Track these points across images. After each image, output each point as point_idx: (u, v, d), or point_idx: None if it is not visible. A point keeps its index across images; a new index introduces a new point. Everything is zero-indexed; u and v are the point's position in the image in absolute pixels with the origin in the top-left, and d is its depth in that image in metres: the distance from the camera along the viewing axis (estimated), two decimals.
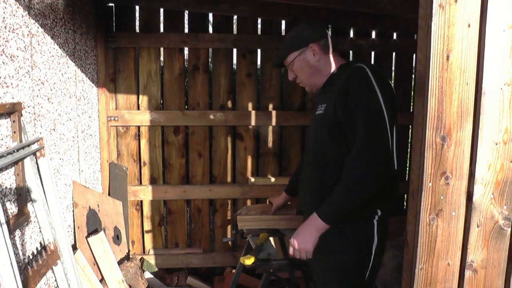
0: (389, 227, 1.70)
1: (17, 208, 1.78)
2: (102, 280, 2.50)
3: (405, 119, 3.29)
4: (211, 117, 3.12)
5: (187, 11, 3.09)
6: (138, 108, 3.10)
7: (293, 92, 3.21)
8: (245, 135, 3.22)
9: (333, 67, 1.76)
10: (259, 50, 3.19)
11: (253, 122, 3.18)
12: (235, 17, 3.13)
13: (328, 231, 1.60)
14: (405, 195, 3.54)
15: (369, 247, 1.63)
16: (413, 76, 3.39)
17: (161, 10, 3.05)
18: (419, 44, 1.15)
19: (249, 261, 1.86)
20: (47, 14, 2.08)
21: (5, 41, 1.66)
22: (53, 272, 1.97)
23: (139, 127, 3.12)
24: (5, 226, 1.42)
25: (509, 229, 1.18)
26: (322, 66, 1.76)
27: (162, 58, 3.12)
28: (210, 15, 3.15)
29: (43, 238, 1.92)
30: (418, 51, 1.16)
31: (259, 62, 3.29)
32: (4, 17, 1.65)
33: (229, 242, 3.26)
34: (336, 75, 1.72)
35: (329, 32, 3.25)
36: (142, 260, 3.12)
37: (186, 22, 3.18)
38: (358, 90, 1.57)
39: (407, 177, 3.47)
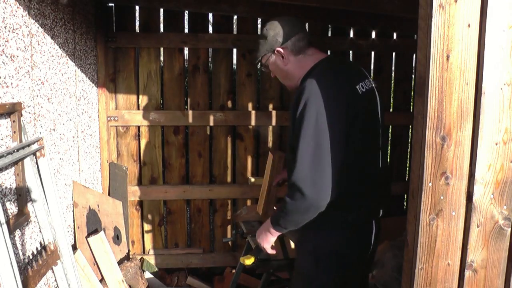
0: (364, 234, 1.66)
1: (17, 208, 1.78)
2: (102, 280, 2.50)
3: (405, 119, 3.29)
4: (211, 117, 3.12)
5: (187, 11, 3.09)
6: (138, 108, 3.10)
7: (293, 92, 3.20)
8: (245, 135, 3.22)
9: (308, 67, 1.62)
10: None
11: (253, 122, 3.18)
12: (235, 17, 3.13)
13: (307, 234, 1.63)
14: (405, 195, 3.54)
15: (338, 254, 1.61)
16: (413, 76, 3.39)
17: (161, 10, 3.05)
18: (419, 44, 1.15)
19: (249, 261, 1.86)
20: (47, 14, 2.07)
21: (5, 41, 1.66)
22: (53, 272, 1.97)
23: (139, 127, 3.12)
24: (5, 226, 1.42)
25: (509, 229, 1.18)
26: (293, 69, 1.65)
27: (162, 58, 3.12)
28: (210, 15, 3.15)
29: (43, 238, 1.92)
30: (418, 51, 1.16)
31: None
32: (4, 17, 1.65)
33: (229, 242, 3.26)
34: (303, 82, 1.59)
35: (329, 32, 3.29)
36: (142, 260, 3.12)
37: (186, 22, 3.18)
38: (297, 106, 1.48)
39: (407, 177, 3.47)
